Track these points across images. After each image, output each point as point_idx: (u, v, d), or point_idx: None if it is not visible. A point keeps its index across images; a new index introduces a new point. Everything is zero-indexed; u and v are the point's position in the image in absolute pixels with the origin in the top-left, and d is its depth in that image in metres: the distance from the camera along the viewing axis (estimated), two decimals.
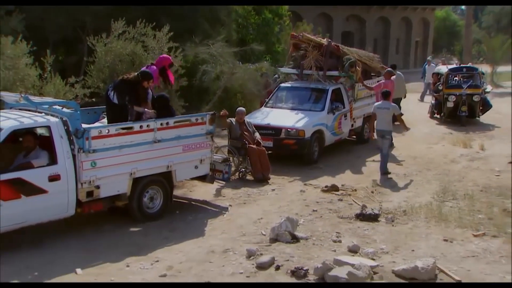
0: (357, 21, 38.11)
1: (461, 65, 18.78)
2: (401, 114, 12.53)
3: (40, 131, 7.63)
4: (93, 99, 11.64)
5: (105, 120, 8.95)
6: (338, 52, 13.62)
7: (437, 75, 18.88)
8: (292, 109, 12.86)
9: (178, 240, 7.69)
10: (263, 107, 13.49)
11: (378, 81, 14.46)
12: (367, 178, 11.16)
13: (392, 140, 12.56)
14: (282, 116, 12.40)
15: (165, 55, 10.13)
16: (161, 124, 8.27)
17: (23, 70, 10.68)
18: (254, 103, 15.51)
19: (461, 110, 16.77)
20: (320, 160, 12.37)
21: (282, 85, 14.09)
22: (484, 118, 17.74)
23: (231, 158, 10.81)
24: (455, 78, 17.55)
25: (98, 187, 7.56)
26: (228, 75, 15.17)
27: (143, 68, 9.34)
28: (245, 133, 11.16)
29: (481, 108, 17.30)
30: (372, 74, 15.20)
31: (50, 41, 14.62)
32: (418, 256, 6.93)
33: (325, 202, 9.47)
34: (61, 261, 6.81)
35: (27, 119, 7.35)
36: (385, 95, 11.74)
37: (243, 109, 11.69)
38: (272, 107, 13.19)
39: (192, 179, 9.52)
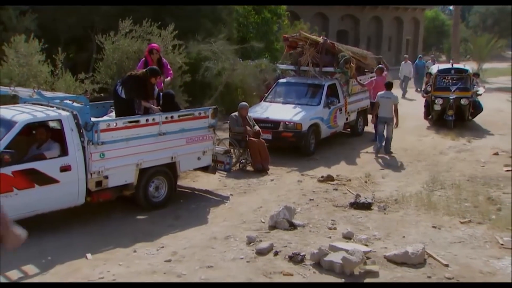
0: (351, 20, 37.98)
1: (452, 66, 16.39)
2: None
3: (52, 124, 7.62)
4: (102, 94, 11.62)
5: (113, 114, 8.94)
6: (334, 49, 13.59)
7: (430, 75, 17.25)
8: (290, 103, 12.83)
9: (182, 227, 7.70)
10: (262, 101, 13.47)
11: (371, 77, 14.46)
12: (361, 169, 11.16)
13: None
14: (280, 110, 12.38)
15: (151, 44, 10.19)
16: (166, 117, 8.26)
17: (36, 67, 10.67)
18: (253, 98, 15.48)
19: (447, 114, 15.00)
20: (317, 152, 12.37)
21: (281, 80, 14.08)
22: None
23: (232, 150, 10.81)
24: (443, 80, 15.67)
25: (106, 177, 7.55)
26: (229, 71, 15.16)
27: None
28: (247, 126, 11.15)
29: (472, 111, 15.52)
30: (365, 70, 15.18)
31: (61, 40, 14.56)
32: (408, 242, 6.94)
33: (321, 192, 9.47)
34: (72, 247, 6.82)
35: (39, 113, 7.34)
36: (388, 86, 12.53)
37: (246, 104, 11.68)
38: (271, 102, 13.17)
39: (195, 169, 9.51)
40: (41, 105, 7.75)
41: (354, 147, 13.31)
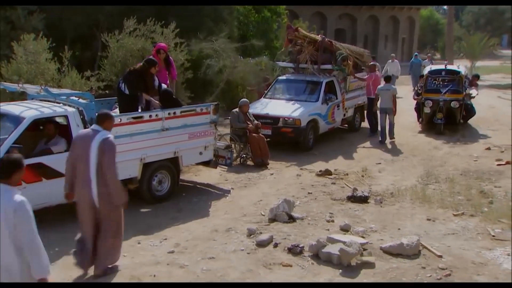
0: (349, 19, 37.93)
1: (445, 67, 14.97)
2: None
3: (58, 120, 7.61)
4: (107, 91, 11.60)
5: (117, 110, 8.92)
6: (331, 47, 13.56)
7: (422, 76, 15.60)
8: (289, 100, 12.80)
9: (184, 220, 7.70)
10: (262, 98, 13.44)
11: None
12: (358, 163, 11.15)
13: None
14: (280, 106, 12.35)
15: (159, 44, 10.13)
16: (169, 113, 8.25)
17: (44, 64, 10.66)
18: (254, 95, 15.45)
19: (436, 118, 13.87)
20: (315, 147, 12.35)
21: (280, 77, 14.05)
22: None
23: (233, 145, 10.79)
24: (434, 82, 14.45)
25: None
26: (230, 68, 15.12)
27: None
28: (248, 122, 11.14)
29: (464, 114, 14.50)
30: (362, 67, 15.14)
31: (67, 38, 14.55)
32: (403, 234, 6.95)
33: (319, 185, 9.46)
34: None
35: (46, 109, 7.33)
36: (387, 79, 13.39)
37: (247, 100, 11.66)
38: (270, 98, 13.14)
39: (197, 164, 9.50)
40: (48, 101, 7.73)
41: (352, 142, 13.30)
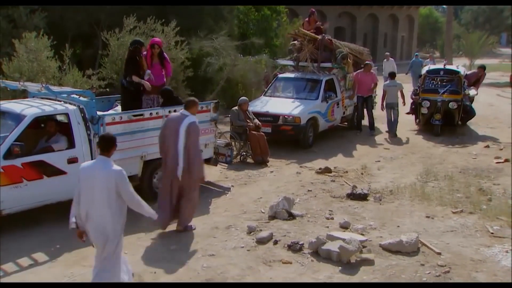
0: (348, 17, 37.90)
1: (444, 67, 14.60)
2: None
3: (59, 118, 7.60)
4: (107, 89, 11.61)
5: (118, 108, 8.92)
6: (331, 45, 13.54)
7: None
8: (289, 97, 12.80)
9: None
10: (262, 96, 13.43)
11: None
12: (357, 161, 11.14)
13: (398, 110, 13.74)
14: (279, 104, 12.34)
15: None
16: (169, 111, 8.22)
17: (45, 62, 10.68)
18: (254, 92, 15.45)
19: (434, 119, 13.55)
20: (315, 144, 12.34)
21: (280, 75, 14.03)
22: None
23: (233, 143, 10.80)
24: (432, 82, 14.03)
25: None
26: (230, 66, 15.13)
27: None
28: (247, 120, 11.13)
29: (462, 115, 14.02)
30: (362, 66, 15.11)
31: (68, 36, 14.56)
32: (403, 231, 6.95)
33: (319, 183, 9.46)
34: None
35: (48, 107, 7.32)
36: (392, 76, 13.93)
37: (246, 98, 11.64)
38: (270, 96, 13.13)
39: None
40: (49, 99, 7.73)
41: (351, 140, 13.28)
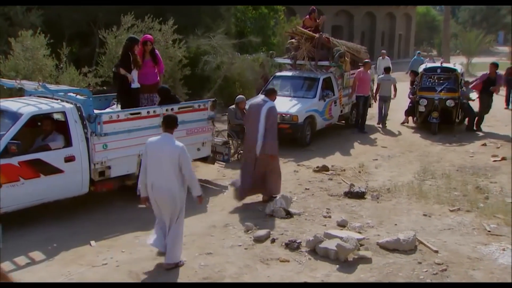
0: (346, 16, 37.87)
1: (441, 65, 14.44)
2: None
3: (56, 116, 7.58)
4: (104, 87, 11.59)
5: (115, 106, 8.90)
6: (329, 44, 13.53)
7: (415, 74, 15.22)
8: (287, 96, 12.76)
9: None
10: (260, 94, 13.38)
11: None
12: (355, 159, 11.15)
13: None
14: (277, 103, 12.24)
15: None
16: (167, 110, 8.20)
17: (41, 61, 10.64)
18: (251, 91, 15.43)
19: (431, 117, 13.49)
20: (312, 143, 12.35)
21: (277, 74, 14.01)
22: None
23: (230, 141, 10.78)
24: (429, 80, 13.93)
25: (109, 167, 7.53)
26: (228, 65, 15.10)
27: None
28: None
29: (462, 114, 14.08)
30: (359, 64, 15.10)
31: (65, 35, 14.50)
32: (400, 230, 6.95)
33: (317, 181, 9.46)
34: (77, 234, 6.81)
35: (44, 105, 7.31)
36: (387, 70, 14.71)
37: (243, 97, 11.62)
38: None
39: (195, 160, 9.46)
40: (46, 97, 7.71)
41: (348, 138, 13.29)
